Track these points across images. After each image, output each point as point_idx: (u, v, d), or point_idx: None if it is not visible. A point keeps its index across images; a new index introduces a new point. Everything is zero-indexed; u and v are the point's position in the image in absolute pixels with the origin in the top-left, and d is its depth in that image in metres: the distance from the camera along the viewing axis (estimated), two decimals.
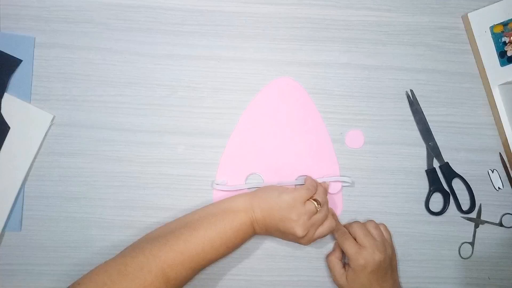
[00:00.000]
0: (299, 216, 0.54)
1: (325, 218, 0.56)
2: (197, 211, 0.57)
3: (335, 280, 0.60)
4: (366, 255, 0.56)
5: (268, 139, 0.63)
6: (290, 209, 0.54)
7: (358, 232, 0.58)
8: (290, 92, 0.64)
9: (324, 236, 0.57)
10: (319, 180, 0.61)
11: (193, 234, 0.52)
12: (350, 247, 0.57)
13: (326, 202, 0.58)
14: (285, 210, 0.54)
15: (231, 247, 0.54)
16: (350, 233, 0.59)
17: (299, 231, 0.54)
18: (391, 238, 0.61)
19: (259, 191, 0.57)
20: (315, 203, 0.55)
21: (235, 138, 0.63)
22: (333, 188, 0.63)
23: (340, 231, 0.59)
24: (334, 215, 0.61)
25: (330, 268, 0.60)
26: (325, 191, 0.59)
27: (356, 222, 0.60)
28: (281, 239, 0.59)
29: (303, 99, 0.64)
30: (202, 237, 0.52)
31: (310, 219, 0.55)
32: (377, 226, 0.60)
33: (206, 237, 0.52)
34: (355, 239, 0.58)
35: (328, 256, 0.61)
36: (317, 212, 0.55)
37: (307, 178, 0.60)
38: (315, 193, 0.57)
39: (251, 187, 0.62)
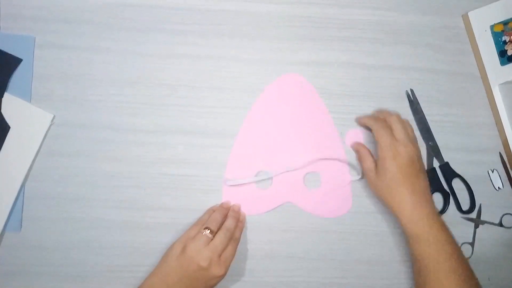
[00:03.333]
0: (195, 249, 0.53)
1: (227, 239, 0.55)
2: None
3: (364, 170, 0.60)
4: (399, 146, 0.57)
5: (274, 137, 0.63)
6: (184, 249, 0.54)
7: (396, 125, 0.58)
8: (294, 88, 0.64)
9: (233, 256, 0.56)
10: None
11: None
12: (386, 137, 0.58)
13: (226, 228, 0.56)
14: (182, 254, 0.54)
15: None
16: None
17: (202, 261, 0.53)
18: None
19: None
20: (206, 231, 0.55)
21: (241, 137, 0.63)
22: (342, 180, 0.63)
23: (380, 122, 0.60)
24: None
25: (361, 156, 0.61)
26: (221, 217, 0.58)
27: (395, 115, 0.60)
28: None
29: (309, 94, 0.64)
30: None
31: (207, 246, 0.54)
32: (406, 126, 0.60)
33: None
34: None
35: (357, 145, 0.62)
36: (212, 238, 0.54)
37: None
38: (205, 223, 0.56)
39: (260, 179, 0.62)
